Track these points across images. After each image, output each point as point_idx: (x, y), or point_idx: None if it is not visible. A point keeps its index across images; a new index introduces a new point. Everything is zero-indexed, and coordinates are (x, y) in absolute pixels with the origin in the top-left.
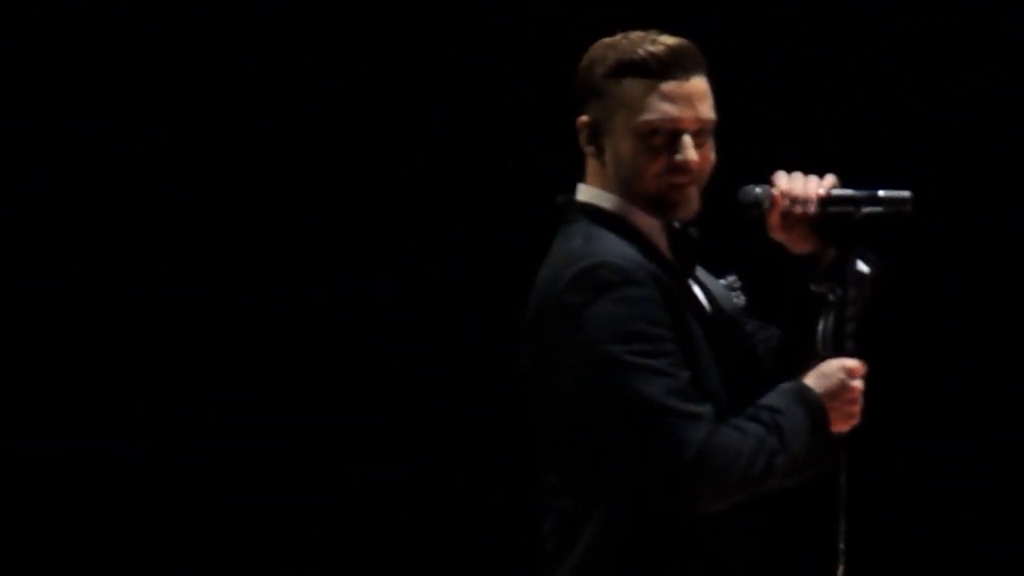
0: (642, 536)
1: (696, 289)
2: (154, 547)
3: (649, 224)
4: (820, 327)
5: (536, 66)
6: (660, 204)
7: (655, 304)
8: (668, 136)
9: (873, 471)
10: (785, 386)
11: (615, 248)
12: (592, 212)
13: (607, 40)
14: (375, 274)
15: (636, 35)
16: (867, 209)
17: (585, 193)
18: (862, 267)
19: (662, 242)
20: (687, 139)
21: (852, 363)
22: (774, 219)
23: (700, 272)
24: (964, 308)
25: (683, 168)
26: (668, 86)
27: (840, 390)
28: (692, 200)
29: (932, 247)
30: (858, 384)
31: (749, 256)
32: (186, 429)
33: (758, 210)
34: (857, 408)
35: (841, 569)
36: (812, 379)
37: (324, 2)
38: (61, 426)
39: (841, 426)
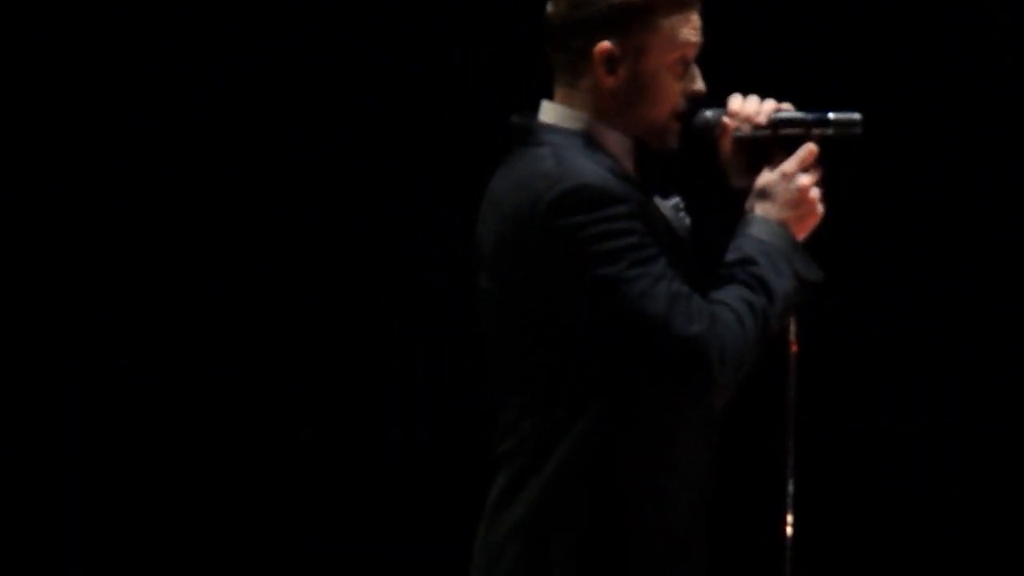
0: (614, 452)
1: (660, 207)
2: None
3: (618, 144)
4: None
5: None
6: (662, 134)
7: (637, 218)
8: (685, 65)
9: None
10: (745, 231)
11: (590, 168)
12: (560, 133)
13: None
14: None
15: None
16: (817, 131)
17: (550, 113)
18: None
19: (629, 162)
20: (696, 68)
21: (790, 164)
22: (725, 143)
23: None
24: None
25: (697, 98)
26: (694, 15)
27: (792, 198)
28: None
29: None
30: (806, 179)
31: (692, 178)
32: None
33: (711, 134)
34: (815, 202)
35: (791, 485)
36: (763, 207)
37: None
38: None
39: (810, 226)
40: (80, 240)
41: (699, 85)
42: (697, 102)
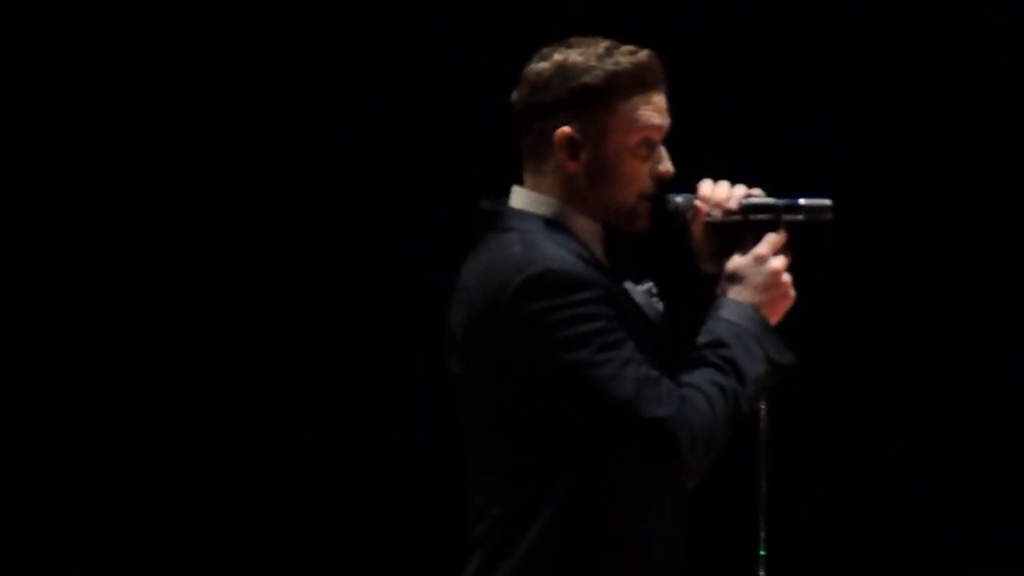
0: (585, 536)
1: (631, 293)
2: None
3: (587, 230)
4: None
5: None
6: (631, 216)
7: (604, 302)
8: (650, 147)
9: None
10: (717, 314)
11: (557, 253)
12: (529, 219)
13: (572, 51)
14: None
15: (605, 44)
16: (788, 217)
17: (520, 199)
18: None
19: (598, 247)
20: (664, 150)
21: (762, 248)
22: (696, 228)
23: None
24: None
25: (664, 179)
26: (656, 96)
27: (764, 282)
28: (649, 213)
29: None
30: (777, 263)
31: (664, 263)
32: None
33: (680, 219)
34: (787, 286)
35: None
36: (735, 290)
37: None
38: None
39: (782, 309)
40: (80, 240)
41: (666, 166)
42: (665, 184)
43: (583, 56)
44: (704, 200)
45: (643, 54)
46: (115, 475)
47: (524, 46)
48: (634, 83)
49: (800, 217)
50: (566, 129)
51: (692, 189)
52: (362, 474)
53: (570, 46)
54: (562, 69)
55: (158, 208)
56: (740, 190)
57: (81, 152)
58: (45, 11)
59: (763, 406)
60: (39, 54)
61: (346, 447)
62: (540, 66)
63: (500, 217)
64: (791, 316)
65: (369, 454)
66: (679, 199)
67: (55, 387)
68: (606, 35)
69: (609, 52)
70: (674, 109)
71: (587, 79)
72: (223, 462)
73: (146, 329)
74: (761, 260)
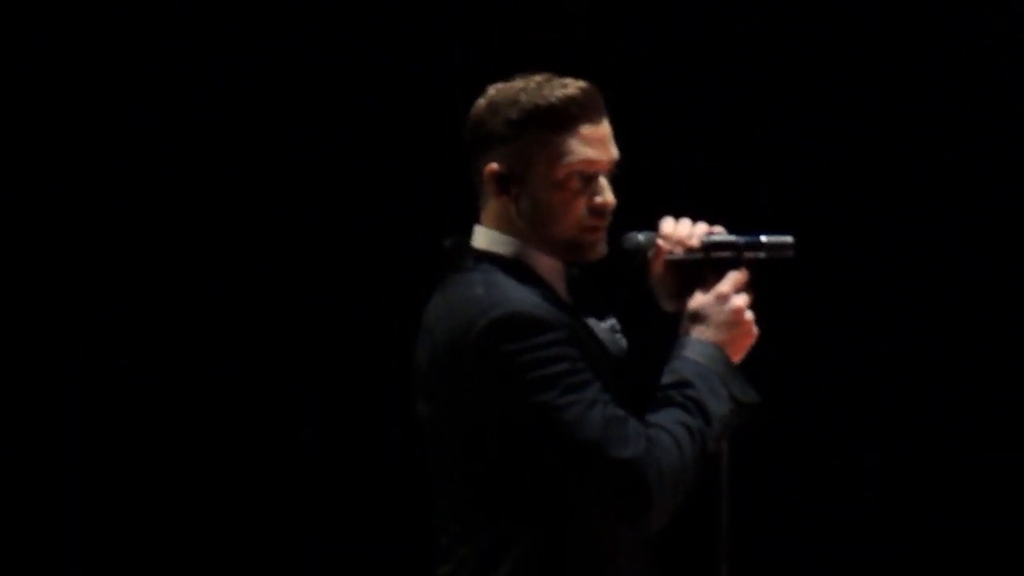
0: None
1: (594, 330)
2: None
3: (549, 268)
4: None
5: None
6: (576, 248)
7: (568, 344)
8: (585, 179)
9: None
10: (680, 353)
11: (520, 295)
12: (489, 258)
13: (507, 86)
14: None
15: (539, 79)
16: (750, 254)
17: (482, 238)
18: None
19: (561, 286)
20: (604, 181)
21: (724, 286)
22: (657, 266)
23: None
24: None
25: (603, 211)
26: (586, 129)
27: (726, 320)
28: (603, 242)
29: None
30: (740, 301)
31: (626, 301)
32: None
33: (641, 257)
34: (750, 324)
35: None
36: (697, 329)
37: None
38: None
39: (745, 347)
40: (80, 240)
41: (604, 198)
42: (612, 215)
43: (513, 91)
44: (666, 238)
45: (574, 87)
46: (115, 475)
47: (524, 46)
48: (560, 117)
49: (762, 254)
50: (493, 165)
51: (654, 227)
52: (362, 474)
53: (508, 82)
54: (492, 105)
55: (158, 208)
56: (701, 228)
57: (81, 152)
58: (45, 11)
59: (725, 445)
60: (39, 54)
61: (346, 447)
62: (478, 103)
63: (462, 257)
64: (754, 354)
65: (369, 454)
66: (640, 236)
67: (55, 387)
68: (601, 35)
69: (540, 86)
70: (638, 147)
71: (511, 113)
72: (223, 462)
73: (146, 329)
74: (723, 298)
